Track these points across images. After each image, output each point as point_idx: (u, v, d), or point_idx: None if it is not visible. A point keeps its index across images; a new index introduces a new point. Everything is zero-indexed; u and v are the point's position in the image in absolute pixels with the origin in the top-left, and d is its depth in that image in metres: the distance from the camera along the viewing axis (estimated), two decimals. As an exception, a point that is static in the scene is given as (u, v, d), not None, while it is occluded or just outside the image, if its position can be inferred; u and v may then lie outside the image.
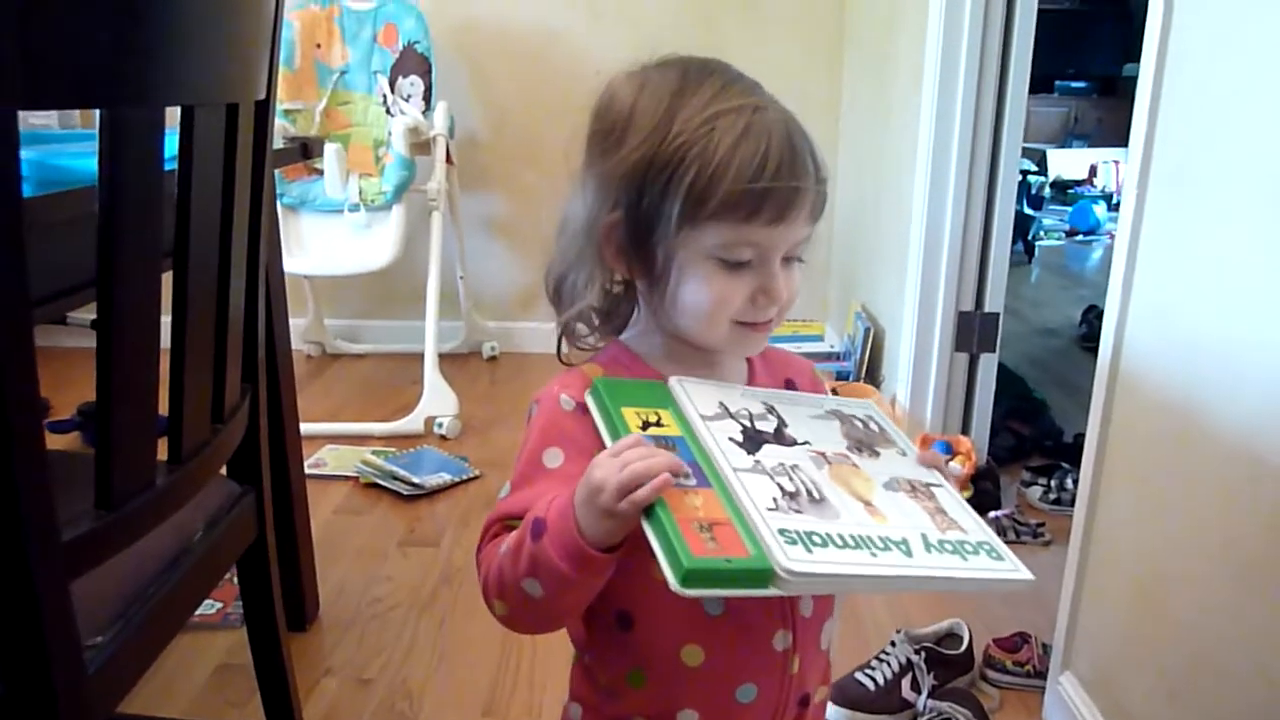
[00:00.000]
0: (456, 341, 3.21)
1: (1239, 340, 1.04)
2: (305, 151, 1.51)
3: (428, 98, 2.73)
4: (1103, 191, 6.51)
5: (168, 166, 0.75)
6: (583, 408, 0.70)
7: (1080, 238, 6.04)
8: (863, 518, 0.64)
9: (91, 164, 0.68)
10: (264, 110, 0.94)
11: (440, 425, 2.54)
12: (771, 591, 0.57)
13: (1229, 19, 1.07)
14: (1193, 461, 1.13)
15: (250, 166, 0.93)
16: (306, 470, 2.22)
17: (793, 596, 0.73)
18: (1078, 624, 1.40)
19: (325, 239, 2.64)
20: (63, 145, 1.15)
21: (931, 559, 0.64)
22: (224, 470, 1.05)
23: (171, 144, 0.77)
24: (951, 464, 2.09)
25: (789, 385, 0.81)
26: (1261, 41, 1.01)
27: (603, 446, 0.65)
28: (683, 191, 0.65)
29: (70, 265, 0.85)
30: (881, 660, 1.50)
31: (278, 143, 1.65)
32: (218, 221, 0.86)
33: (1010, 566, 0.67)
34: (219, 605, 1.71)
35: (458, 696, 1.51)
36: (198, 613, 1.69)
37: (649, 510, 0.59)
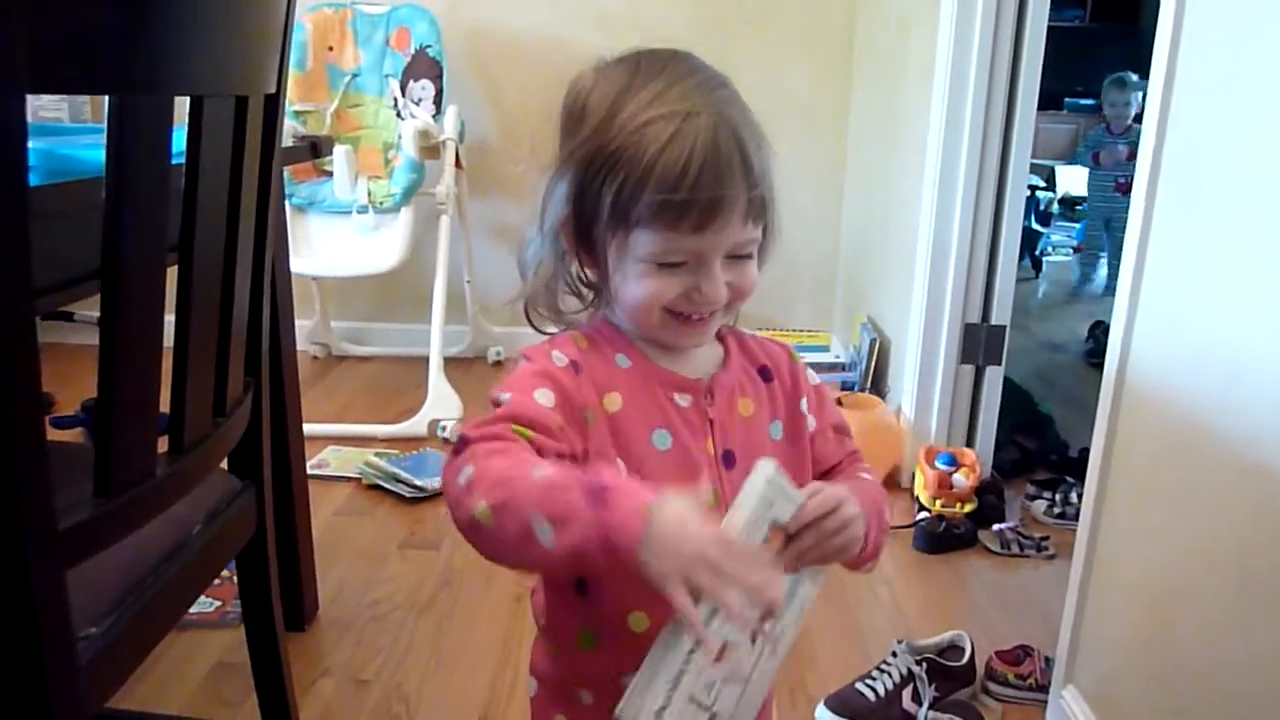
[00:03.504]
0: (462, 346, 3.20)
1: (1247, 353, 1.03)
2: (315, 150, 1.51)
3: (438, 102, 2.74)
4: (1111, 210, 6.49)
5: (175, 160, 0.75)
6: (575, 366, 0.73)
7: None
8: None
9: (100, 155, 0.68)
10: (273, 105, 0.94)
11: (444, 429, 2.54)
12: None
13: (1239, 33, 1.06)
14: (1199, 475, 1.12)
15: (258, 161, 0.93)
16: (309, 470, 2.22)
17: None
18: (1081, 638, 1.39)
19: (332, 240, 2.64)
20: (73, 138, 1.15)
21: None
22: (225, 465, 1.05)
23: (179, 139, 0.77)
24: (956, 476, 2.08)
25: (763, 371, 0.82)
26: (1271, 56, 1.00)
27: (585, 405, 0.69)
28: (611, 196, 0.67)
29: (76, 256, 0.85)
30: (882, 671, 1.49)
31: (287, 142, 1.65)
32: (224, 215, 0.86)
33: None
34: (217, 603, 1.71)
35: (454, 700, 1.50)
36: (196, 610, 1.69)
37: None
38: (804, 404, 0.83)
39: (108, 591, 0.79)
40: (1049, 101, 4.55)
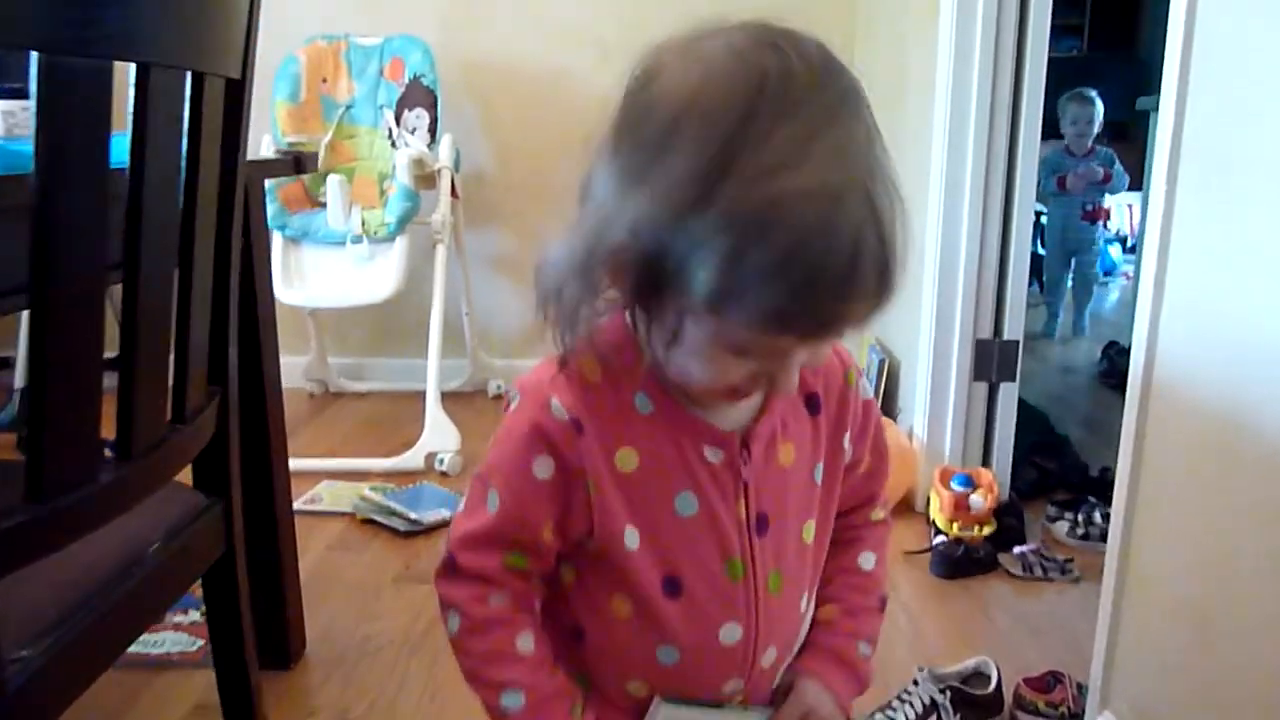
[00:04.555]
0: (462, 379, 3.14)
1: (1286, 339, 0.96)
2: (298, 164, 1.46)
3: (433, 130, 2.71)
4: (1117, 234, 6.44)
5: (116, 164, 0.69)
6: (577, 424, 0.62)
7: (1099, 280, 5.95)
8: None
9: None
10: (238, 92, 0.89)
11: (441, 461, 2.46)
12: None
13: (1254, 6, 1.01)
14: (1237, 472, 1.04)
15: (219, 150, 0.87)
16: (302, 506, 2.15)
17: (755, 648, 0.70)
18: (1115, 660, 1.30)
19: (326, 270, 2.59)
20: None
21: None
22: (191, 481, 0.98)
23: (120, 148, 0.71)
24: (973, 497, 1.99)
25: (811, 401, 0.70)
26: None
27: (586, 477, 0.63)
28: (709, 273, 0.51)
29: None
30: (903, 701, 1.39)
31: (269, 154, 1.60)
32: (177, 205, 0.80)
33: None
34: (200, 642, 1.62)
35: (448, 739, 1.41)
36: (177, 649, 1.61)
37: None
38: (846, 438, 0.72)
39: (46, 610, 0.72)
40: (1049, 130, 4.27)
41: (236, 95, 0.89)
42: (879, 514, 0.80)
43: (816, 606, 0.76)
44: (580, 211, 0.60)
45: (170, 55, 0.73)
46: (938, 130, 2.10)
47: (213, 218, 0.88)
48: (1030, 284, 3.12)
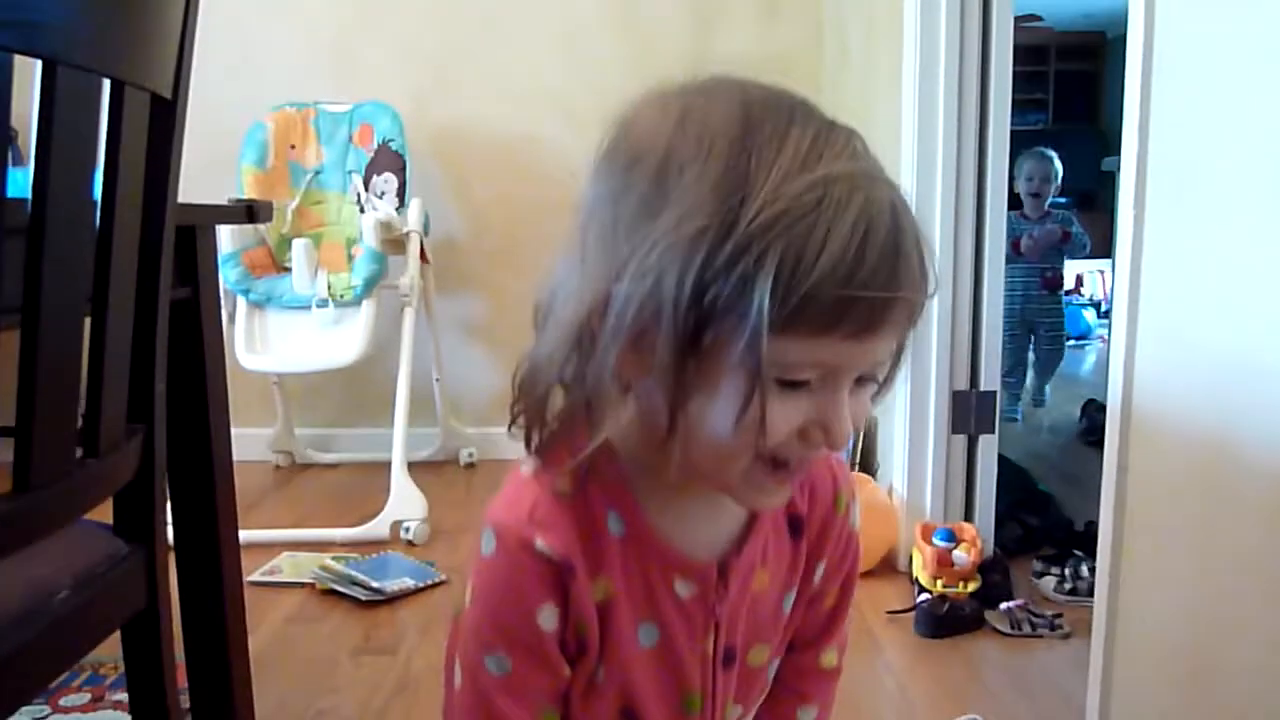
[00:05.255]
0: (433, 448, 3.06)
1: (1264, 357, 0.92)
2: (251, 214, 1.42)
3: (401, 194, 2.69)
4: (1090, 300, 6.52)
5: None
6: (568, 565, 0.56)
7: (1072, 342, 5.98)
8: None
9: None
10: (168, 112, 0.85)
11: (407, 530, 2.38)
12: None
13: (1215, 16, 1.00)
14: (1224, 512, 0.99)
15: (143, 176, 0.82)
16: (260, 578, 2.06)
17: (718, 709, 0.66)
18: (1110, 714, 1.23)
19: (292, 336, 2.53)
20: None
21: None
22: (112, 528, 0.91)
23: (21, 182, 0.66)
24: (956, 552, 1.93)
25: (795, 523, 0.66)
26: (1253, 43, 0.93)
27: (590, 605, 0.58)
28: (774, 287, 0.47)
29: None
30: (889, 763, 1.31)
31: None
32: (87, 213, 0.74)
33: None
34: (140, 720, 1.52)
35: (403, 818, 1.30)
36: (116, 731, 1.50)
37: None
38: (820, 567, 0.67)
39: (-77, 660, 0.65)
40: (1013, 202, 3.96)
41: (167, 118, 0.85)
42: (831, 658, 0.74)
43: None
44: (555, 306, 0.56)
45: (81, 53, 0.68)
46: (906, 179, 2.10)
47: (136, 235, 0.83)
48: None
